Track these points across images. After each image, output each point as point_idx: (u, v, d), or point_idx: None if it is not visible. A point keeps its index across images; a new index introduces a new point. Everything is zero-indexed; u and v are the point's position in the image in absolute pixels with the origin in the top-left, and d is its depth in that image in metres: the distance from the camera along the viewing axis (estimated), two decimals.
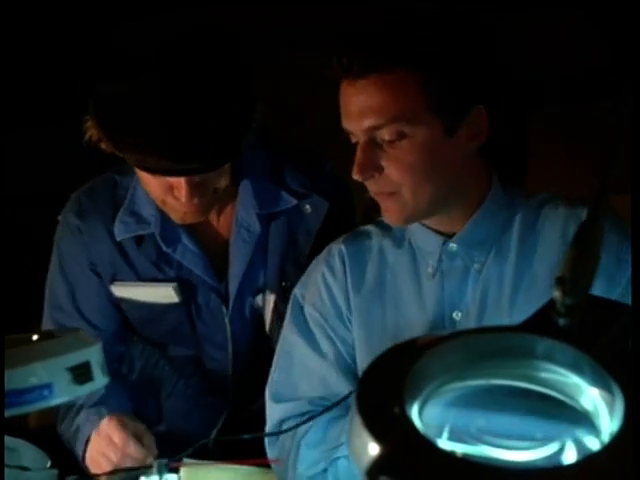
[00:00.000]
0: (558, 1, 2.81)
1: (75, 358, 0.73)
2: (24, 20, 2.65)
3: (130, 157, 1.43)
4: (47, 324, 1.72)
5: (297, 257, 1.64)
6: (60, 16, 2.66)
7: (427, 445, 0.50)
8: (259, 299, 1.67)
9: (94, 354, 0.74)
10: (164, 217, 1.60)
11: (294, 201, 1.62)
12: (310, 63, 3.20)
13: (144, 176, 1.50)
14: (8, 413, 0.68)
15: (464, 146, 1.27)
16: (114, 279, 1.66)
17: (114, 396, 1.64)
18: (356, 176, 1.26)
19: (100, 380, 0.74)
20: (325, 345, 1.41)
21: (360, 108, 1.23)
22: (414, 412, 0.53)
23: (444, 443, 0.54)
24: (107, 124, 1.42)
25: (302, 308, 1.45)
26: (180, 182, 1.45)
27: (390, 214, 1.30)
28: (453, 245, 1.34)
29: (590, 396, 0.53)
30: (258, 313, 1.67)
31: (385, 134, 1.23)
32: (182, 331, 1.68)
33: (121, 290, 1.66)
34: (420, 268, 1.38)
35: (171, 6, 2.02)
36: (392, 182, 1.25)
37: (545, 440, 0.53)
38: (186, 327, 1.67)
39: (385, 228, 1.43)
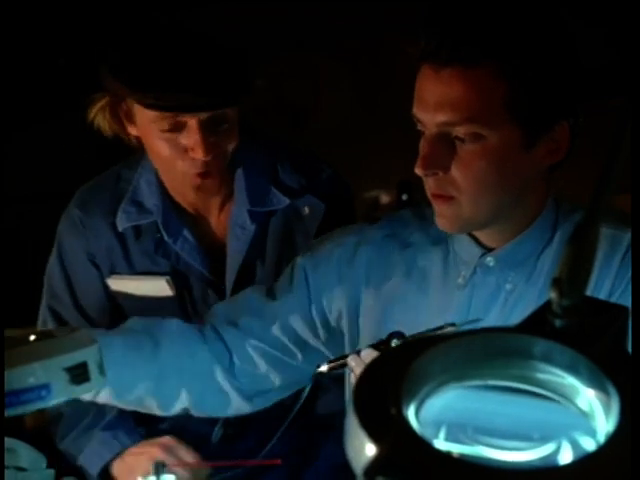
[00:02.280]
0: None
1: (72, 358, 0.73)
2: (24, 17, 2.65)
3: (150, 99, 1.47)
4: (44, 313, 1.73)
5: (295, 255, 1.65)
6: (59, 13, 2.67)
7: (424, 445, 0.50)
8: None
9: (91, 354, 0.74)
10: (167, 207, 1.62)
11: (287, 200, 1.63)
12: (310, 63, 3.21)
13: (157, 144, 1.53)
14: (7, 413, 0.68)
15: (538, 162, 1.20)
16: (111, 272, 1.67)
17: (123, 425, 1.64)
18: (418, 170, 1.18)
19: (97, 381, 0.74)
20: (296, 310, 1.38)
21: (439, 99, 1.14)
22: (411, 412, 0.54)
23: (441, 443, 0.54)
24: (128, 76, 1.48)
25: (297, 270, 1.41)
26: (196, 138, 1.49)
27: (443, 219, 1.23)
28: (490, 260, 1.27)
29: (586, 397, 0.53)
30: None
31: (460, 132, 1.14)
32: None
33: (117, 283, 1.68)
34: (451, 274, 1.31)
35: (172, 7, 2.03)
36: (454, 185, 1.18)
37: (541, 441, 0.53)
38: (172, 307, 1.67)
39: (421, 217, 1.37)
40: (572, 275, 0.55)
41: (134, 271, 1.67)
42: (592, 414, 0.53)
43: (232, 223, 1.64)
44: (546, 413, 0.55)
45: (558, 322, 0.55)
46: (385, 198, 3.10)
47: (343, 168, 1.80)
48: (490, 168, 1.16)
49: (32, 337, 0.77)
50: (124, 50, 1.50)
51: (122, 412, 1.63)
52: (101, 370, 0.75)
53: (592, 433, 0.53)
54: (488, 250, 1.28)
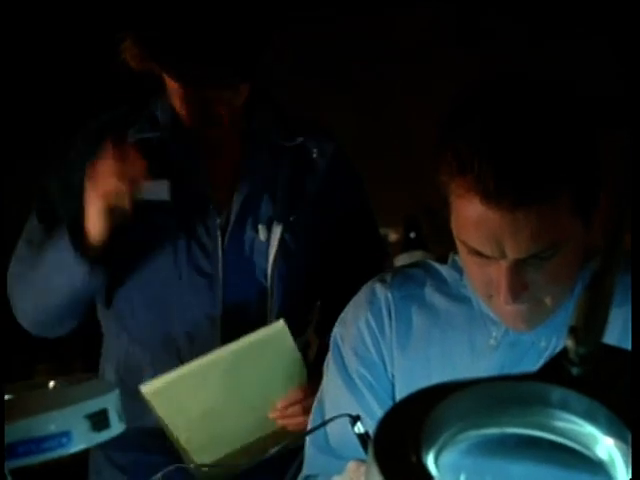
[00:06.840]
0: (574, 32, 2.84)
1: (93, 405, 0.73)
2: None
3: (166, 66, 1.54)
4: (30, 222, 1.69)
5: (305, 194, 1.69)
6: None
7: None
8: (263, 233, 1.66)
9: (111, 401, 0.74)
10: (180, 125, 1.64)
11: (300, 138, 1.69)
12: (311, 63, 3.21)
13: (172, 90, 1.59)
14: (27, 462, 0.68)
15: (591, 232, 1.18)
16: None
17: None
18: (507, 303, 1.13)
19: (117, 427, 0.74)
20: (367, 397, 1.29)
21: (516, 238, 1.09)
22: (430, 460, 0.54)
23: None
24: (147, 41, 1.54)
25: (341, 351, 1.33)
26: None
27: (523, 324, 1.19)
28: None
29: (605, 445, 0.54)
30: (258, 251, 1.66)
31: (542, 255, 1.11)
32: (168, 242, 1.64)
33: None
34: (477, 335, 1.26)
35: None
36: (537, 294, 1.15)
37: None
38: (172, 236, 1.64)
39: (437, 278, 1.31)
40: (588, 323, 0.55)
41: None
42: (611, 463, 0.53)
43: (246, 155, 1.67)
44: (565, 461, 0.55)
45: (575, 370, 0.56)
46: (393, 236, 3.09)
47: None
48: (571, 266, 1.16)
49: (51, 383, 0.77)
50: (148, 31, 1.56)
51: None
52: (120, 417, 0.75)
53: None
54: None
